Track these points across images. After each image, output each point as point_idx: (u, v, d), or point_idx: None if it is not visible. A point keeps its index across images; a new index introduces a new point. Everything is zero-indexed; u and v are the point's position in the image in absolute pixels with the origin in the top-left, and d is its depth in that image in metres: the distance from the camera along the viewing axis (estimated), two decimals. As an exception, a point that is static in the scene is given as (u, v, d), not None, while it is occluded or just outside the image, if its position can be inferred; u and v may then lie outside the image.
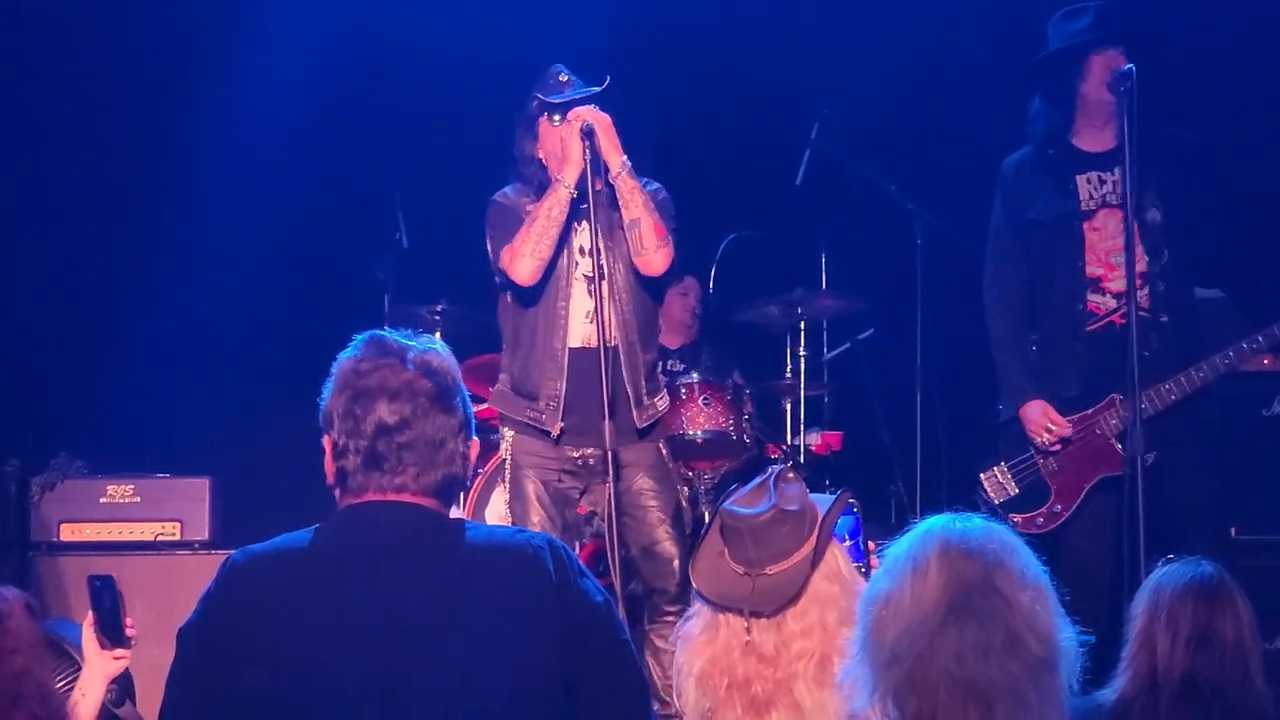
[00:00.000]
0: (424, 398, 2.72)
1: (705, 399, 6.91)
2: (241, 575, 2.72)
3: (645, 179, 5.55)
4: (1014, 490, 5.75)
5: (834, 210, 7.76)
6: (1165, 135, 5.65)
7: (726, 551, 3.26)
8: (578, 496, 5.62)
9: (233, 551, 2.78)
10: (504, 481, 5.61)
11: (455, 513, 5.16)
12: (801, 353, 7.64)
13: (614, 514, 5.24)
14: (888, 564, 2.55)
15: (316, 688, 2.59)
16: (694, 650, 3.23)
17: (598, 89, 5.50)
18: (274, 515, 2.97)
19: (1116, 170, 5.66)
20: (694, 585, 3.29)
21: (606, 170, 5.43)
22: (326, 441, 2.78)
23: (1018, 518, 5.71)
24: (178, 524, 6.44)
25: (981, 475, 5.81)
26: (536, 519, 5.46)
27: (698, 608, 3.29)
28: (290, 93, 7.69)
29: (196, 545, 6.40)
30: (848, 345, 7.85)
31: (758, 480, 3.33)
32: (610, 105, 5.46)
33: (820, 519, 3.25)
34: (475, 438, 2.83)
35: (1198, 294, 5.90)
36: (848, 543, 4.40)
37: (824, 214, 7.77)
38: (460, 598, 2.66)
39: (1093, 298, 5.70)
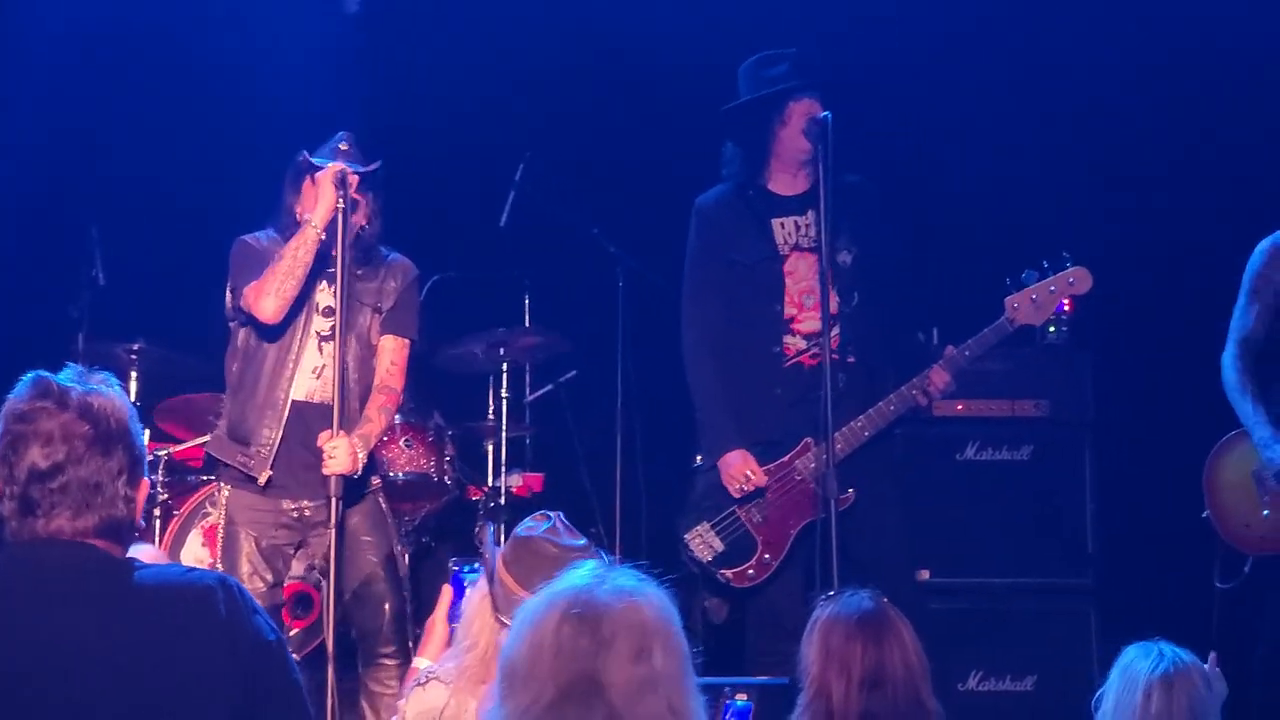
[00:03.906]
0: (80, 441, 2.68)
1: (406, 440, 6.91)
2: None
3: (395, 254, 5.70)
4: (720, 547, 5.76)
5: (538, 252, 7.82)
6: (850, 183, 5.79)
7: None
8: (293, 552, 5.60)
9: None
10: (219, 537, 5.52)
11: (150, 553, 5.10)
12: (504, 394, 7.69)
13: (336, 562, 5.26)
14: (519, 622, 2.51)
15: None
16: None
17: (364, 168, 5.52)
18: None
19: (809, 214, 5.78)
20: None
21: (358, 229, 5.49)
22: None
23: (729, 573, 5.75)
24: None
25: (686, 536, 5.81)
26: (246, 571, 5.41)
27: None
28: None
29: None
30: (550, 387, 7.89)
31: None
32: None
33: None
34: (146, 478, 2.80)
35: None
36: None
37: (528, 255, 7.82)
38: (128, 636, 2.64)
39: (786, 339, 5.81)
